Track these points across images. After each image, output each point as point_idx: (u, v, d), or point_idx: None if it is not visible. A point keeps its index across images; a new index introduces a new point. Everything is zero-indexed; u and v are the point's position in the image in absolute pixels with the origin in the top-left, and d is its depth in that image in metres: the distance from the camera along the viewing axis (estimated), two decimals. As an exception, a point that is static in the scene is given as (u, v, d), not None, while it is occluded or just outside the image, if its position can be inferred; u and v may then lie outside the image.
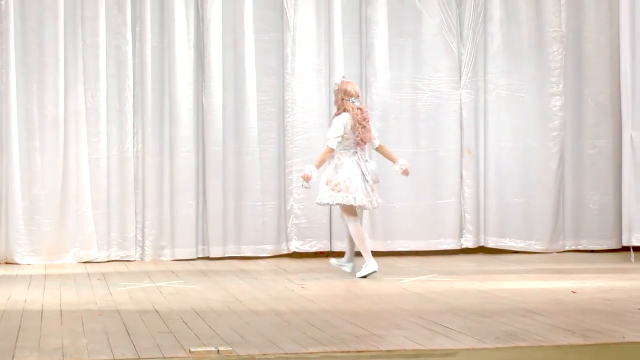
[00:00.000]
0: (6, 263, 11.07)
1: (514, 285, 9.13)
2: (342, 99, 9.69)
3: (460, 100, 11.86)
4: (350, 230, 9.75)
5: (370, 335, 6.53)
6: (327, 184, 9.61)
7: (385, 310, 7.61)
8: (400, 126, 11.76)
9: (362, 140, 9.67)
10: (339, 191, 9.56)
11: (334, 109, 9.95)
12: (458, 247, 11.83)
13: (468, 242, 11.84)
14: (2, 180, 11.13)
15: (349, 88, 9.72)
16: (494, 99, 11.88)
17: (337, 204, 9.67)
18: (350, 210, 9.70)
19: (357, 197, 9.57)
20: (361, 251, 9.70)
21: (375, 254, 11.50)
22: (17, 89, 11.10)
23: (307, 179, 9.53)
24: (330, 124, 9.98)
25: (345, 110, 9.66)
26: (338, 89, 9.76)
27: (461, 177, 11.87)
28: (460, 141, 11.86)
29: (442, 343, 6.26)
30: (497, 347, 6.14)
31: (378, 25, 11.70)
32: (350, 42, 11.71)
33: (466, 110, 11.86)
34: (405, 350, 6.07)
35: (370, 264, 9.66)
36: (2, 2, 11.08)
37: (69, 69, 11.22)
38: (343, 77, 10.17)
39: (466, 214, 11.83)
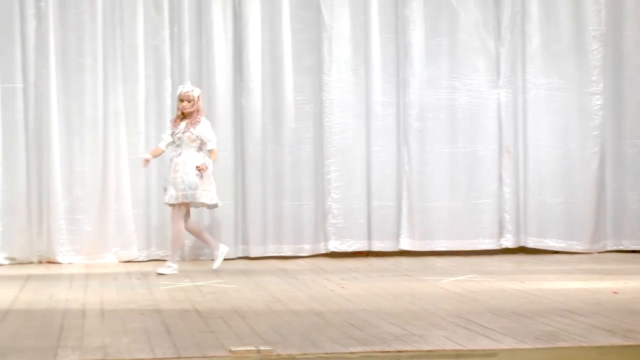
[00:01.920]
0: (48, 262, 11.14)
1: (554, 285, 9.09)
2: (201, 103, 10.33)
3: (499, 99, 11.81)
4: (192, 228, 10.43)
5: (410, 335, 6.52)
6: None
7: (425, 310, 7.59)
8: (438, 126, 11.72)
9: None
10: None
11: (191, 112, 10.23)
12: (498, 247, 11.78)
13: (508, 242, 11.78)
14: (43, 180, 11.20)
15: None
16: (533, 98, 11.81)
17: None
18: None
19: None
20: (173, 250, 10.28)
21: (414, 253, 11.57)
22: (57, 89, 11.18)
23: (205, 169, 10.09)
24: (366, 125, 11.20)
25: (203, 114, 10.27)
26: (199, 94, 10.28)
27: (500, 177, 11.80)
28: (499, 141, 11.81)
29: (482, 343, 6.25)
30: (537, 348, 6.12)
31: (415, 24, 11.66)
32: (387, 42, 11.69)
33: (505, 110, 11.80)
34: (445, 350, 6.06)
35: (175, 266, 10.22)
36: (42, 4, 11.15)
37: (107, 70, 11.28)
38: (188, 80, 10.66)
39: (506, 214, 11.77)
